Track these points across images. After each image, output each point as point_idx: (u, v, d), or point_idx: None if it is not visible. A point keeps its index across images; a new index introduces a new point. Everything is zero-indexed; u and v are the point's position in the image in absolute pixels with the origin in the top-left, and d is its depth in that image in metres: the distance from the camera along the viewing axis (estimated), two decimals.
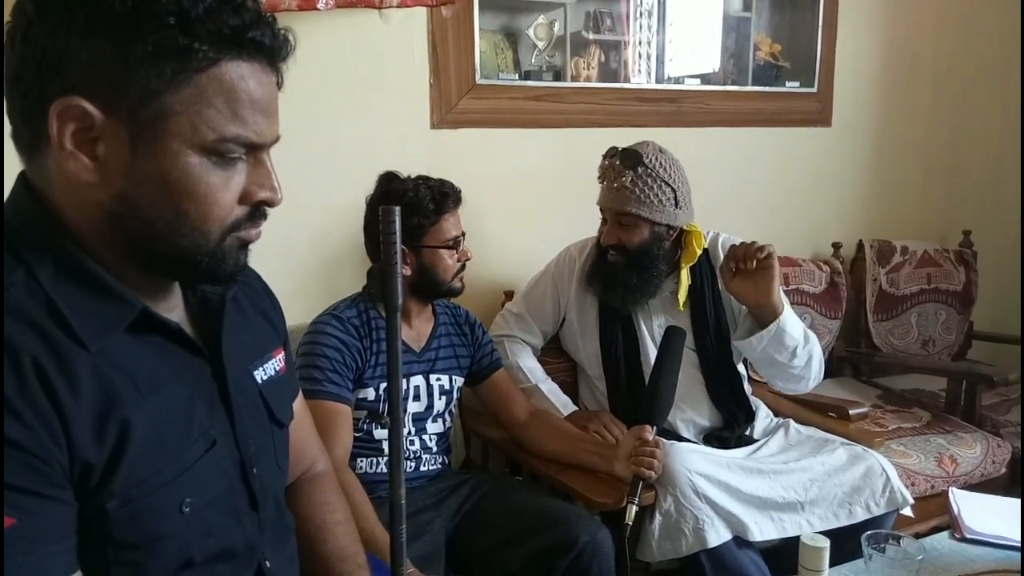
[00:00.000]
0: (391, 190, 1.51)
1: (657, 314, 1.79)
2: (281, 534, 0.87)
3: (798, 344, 1.64)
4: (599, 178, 1.73)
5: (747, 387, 1.85)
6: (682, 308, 1.75)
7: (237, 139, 0.67)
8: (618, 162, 1.66)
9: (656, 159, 1.65)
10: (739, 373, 1.82)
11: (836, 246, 2.57)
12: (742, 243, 1.64)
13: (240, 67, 0.66)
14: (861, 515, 1.57)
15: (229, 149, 0.67)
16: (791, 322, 1.64)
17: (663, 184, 1.65)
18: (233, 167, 0.69)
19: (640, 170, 1.63)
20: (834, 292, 2.43)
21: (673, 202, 1.67)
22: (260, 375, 0.85)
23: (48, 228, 0.67)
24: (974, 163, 2.91)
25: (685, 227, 1.74)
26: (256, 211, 0.72)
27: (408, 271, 1.52)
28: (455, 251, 1.54)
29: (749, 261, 1.59)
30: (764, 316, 1.63)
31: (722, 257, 1.77)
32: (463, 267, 1.57)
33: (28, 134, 0.66)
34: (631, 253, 1.69)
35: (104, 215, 0.67)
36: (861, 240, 2.58)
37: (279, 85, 0.72)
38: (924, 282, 2.61)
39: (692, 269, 1.75)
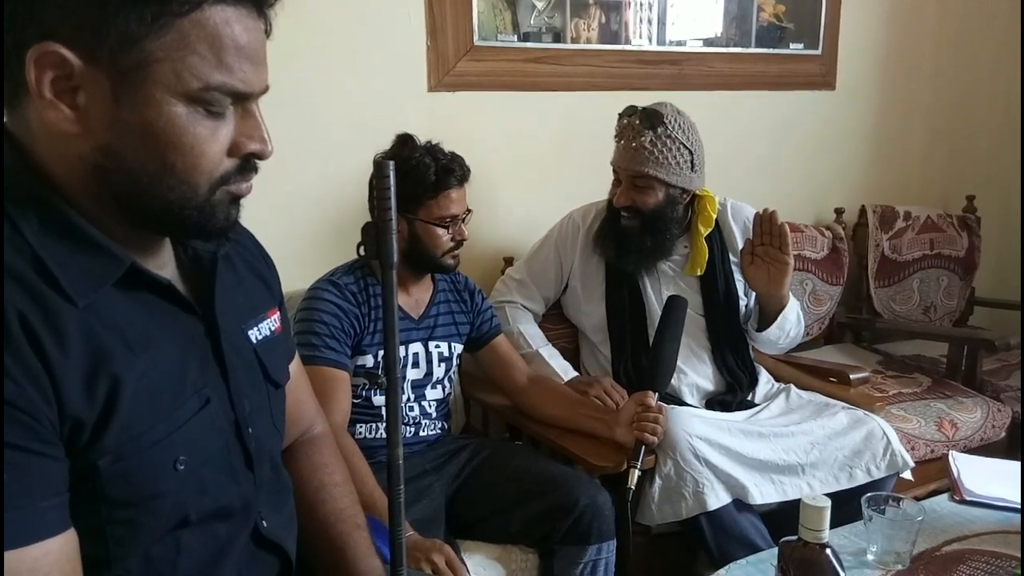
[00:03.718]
0: (399, 154, 1.46)
1: (666, 279, 1.78)
2: (278, 494, 0.87)
3: (792, 327, 1.75)
4: (616, 137, 1.70)
5: (751, 354, 1.84)
6: (699, 272, 1.75)
7: (223, 87, 0.65)
8: (637, 121, 1.63)
9: (675, 120, 1.64)
10: (744, 338, 1.82)
11: (839, 211, 2.54)
12: (768, 212, 1.66)
13: (224, 11, 0.64)
14: (861, 478, 1.58)
15: (215, 98, 0.65)
16: (792, 310, 1.73)
17: (681, 146, 1.63)
18: (220, 117, 0.67)
19: (660, 130, 1.61)
20: (836, 258, 2.41)
21: (689, 165, 1.66)
22: (255, 335, 0.84)
23: (32, 181, 0.65)
24: (979, 128, 2.87)
25: (698, 192, 1.72)
26: (246, 164, 0.70)
27: (399, 239, 1.49)
28: (448, 230, 1.50)
29: (774, 239, 1.64)
30: (770, 304, 1.71)
31: (732, 222, 1.79)
32: (459, 245, 1.53)
33: (7, 83, 0.64)
34: (645, 216, 1.67)
35: (88, 168, 0.65)
36: (864, 205, 2.55)
37: (267, 32, 0.69)
38: (926, 248, 2.59)
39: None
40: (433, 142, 1.51)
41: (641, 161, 1.63)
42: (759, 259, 1.67)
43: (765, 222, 1.66)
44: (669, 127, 1.62)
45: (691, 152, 1.65)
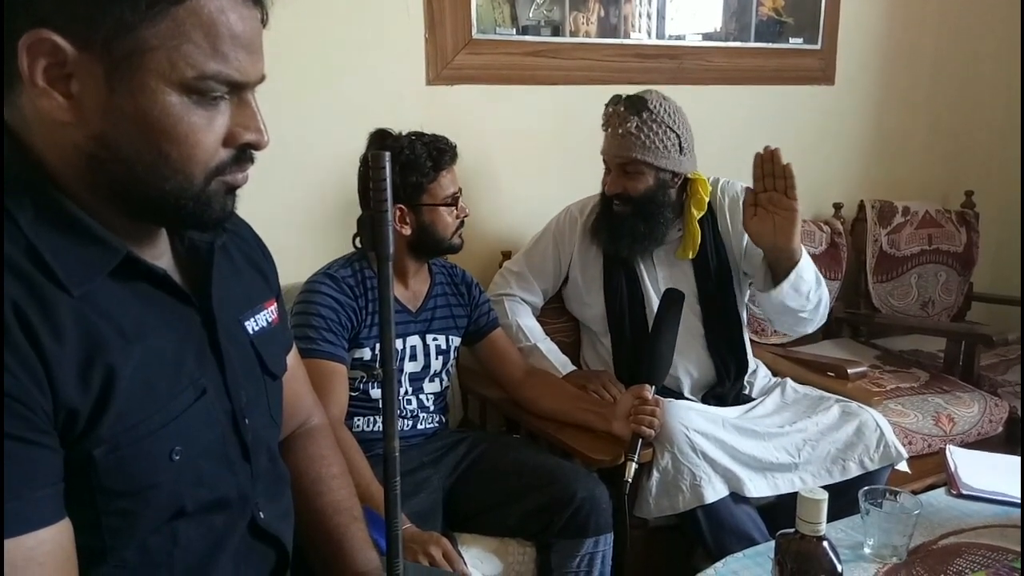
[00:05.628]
0: (384, 148, 1.48)
1: (661, 263, 1.78)
2: (275, 486, 0.87)
3: (811, 289, 1.62)
4: (603, 126, 1.71)
5: (746, 339, 1.83)
6: (691, 255, 1.74)
7: (218, 76, 0.64)
8: (623, 108, 1.64)
9: (660, 105, 1.64)
10: (740, 320, 1.81)
11: (837, 206, 2.54)
12: (770, 151, 1.55)
13: None
14: (855, 470, 1.58)
15: (210, 87, 0.65)
16: (807, 267, 1.60)
17: (667, 130, 1.63)
18: (216, 107, 0.66)
19: (645, 116, 1.62)
20: (834, 253, 2.41)
21: (677, 148, 1.65)
22: (251, 326, 0.83)
23: (26, 170, 0.65)
24: (978, 123, 2.87)
25: (689, 175, 1.72)
26: (242, 154, 0.70)
27: (408, 231, 1.50)
28: (454, 208, 1.53)
29: (777, 182, 1.52)
30: (780, 260, 1.58)
31: (724, 201, 1.76)
32: (462, 223, 1.56)
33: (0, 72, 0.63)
34: (637, 201, 1.67)
35: (83, 157, 0.64)
36: (862, 200, 2.55)
37: (263, 21, 0.69)
38: (925, 243, 2.59)
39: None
40: (410, 131, 1.52)
41: (628, 147, 1.63)
42: (762, 210, 1.55)
43: (767, 162, 1.53)
44: (654, 112, 1.62)
45: (678, 135, 1.65)
